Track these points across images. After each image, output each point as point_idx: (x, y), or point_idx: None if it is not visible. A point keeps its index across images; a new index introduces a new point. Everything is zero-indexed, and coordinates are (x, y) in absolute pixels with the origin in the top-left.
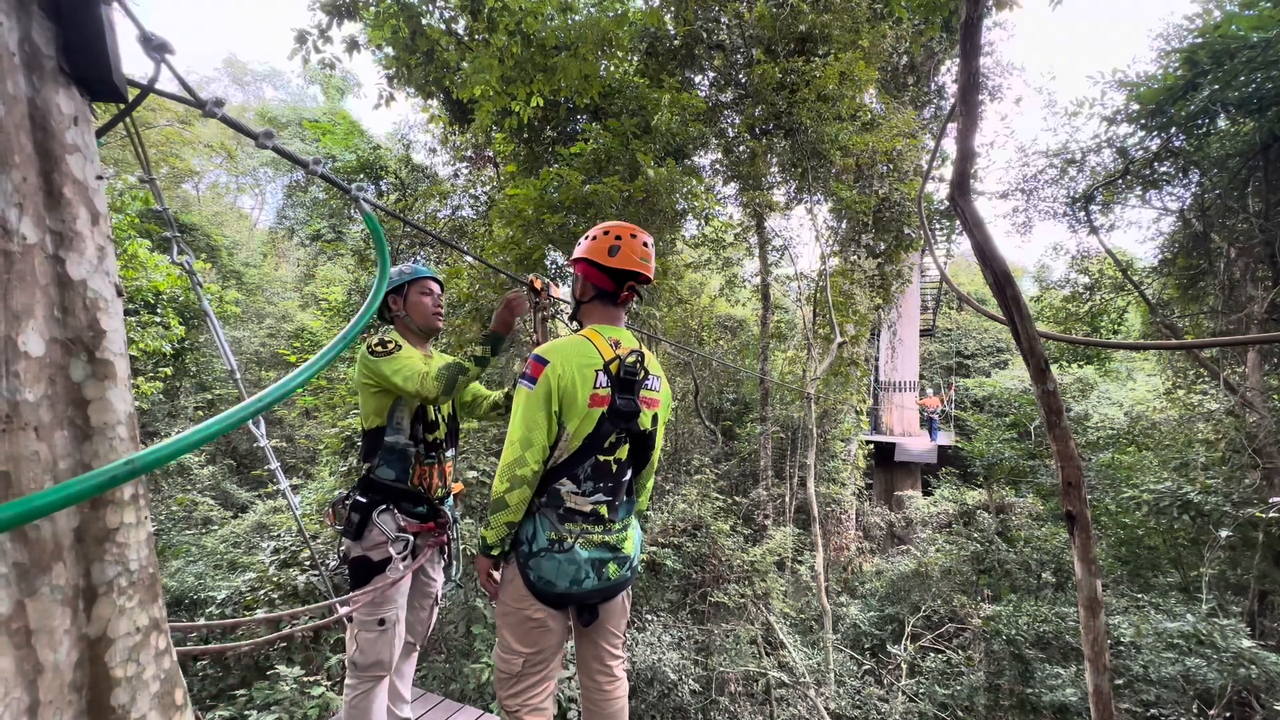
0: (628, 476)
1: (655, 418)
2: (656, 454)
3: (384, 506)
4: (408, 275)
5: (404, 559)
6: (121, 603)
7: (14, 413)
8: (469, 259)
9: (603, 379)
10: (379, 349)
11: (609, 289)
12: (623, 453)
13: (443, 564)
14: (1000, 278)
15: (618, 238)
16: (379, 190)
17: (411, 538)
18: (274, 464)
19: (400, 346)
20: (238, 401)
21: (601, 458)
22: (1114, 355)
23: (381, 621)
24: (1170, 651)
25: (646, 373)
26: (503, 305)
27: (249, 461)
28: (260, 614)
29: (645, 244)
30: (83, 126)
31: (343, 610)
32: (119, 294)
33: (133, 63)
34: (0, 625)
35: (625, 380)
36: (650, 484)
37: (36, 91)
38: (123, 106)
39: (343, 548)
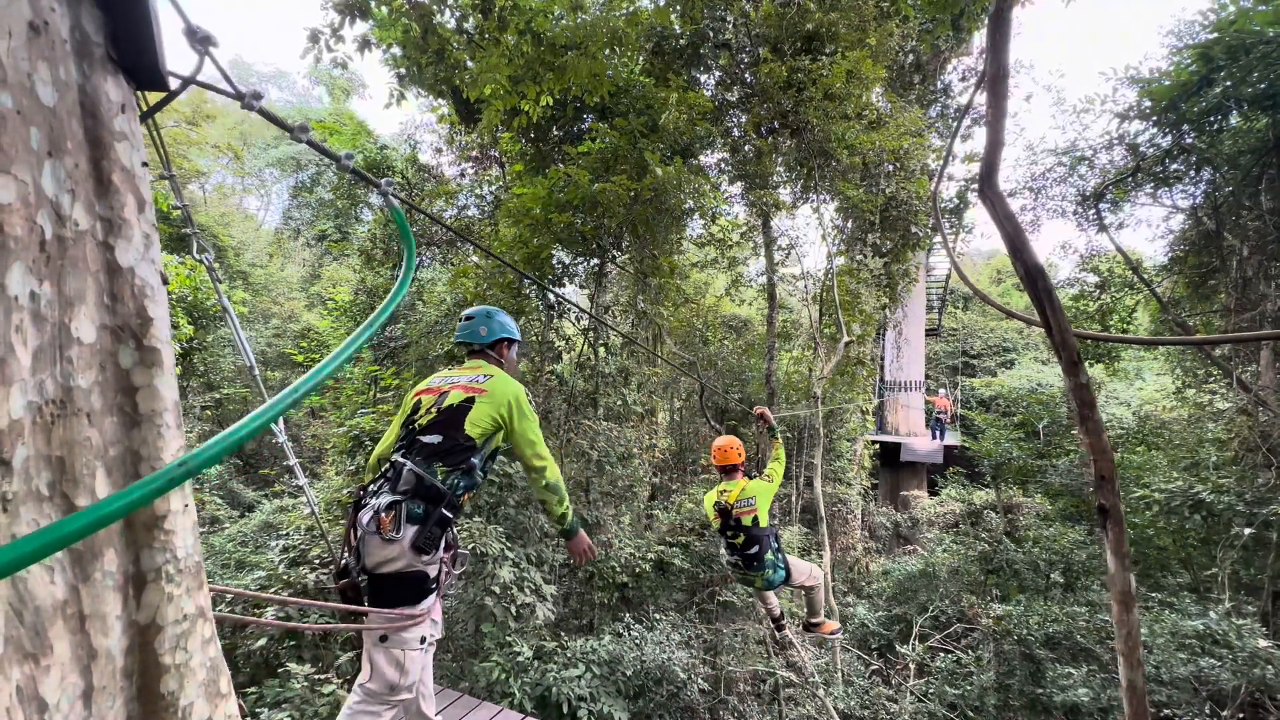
0: (425, 437)
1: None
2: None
3: (451, 523)
4: (515, 332)
5: (456, 573)
6: (170, 590)
7: (67, 398)
8: (477, 258)
9: None
10: (526, 405)
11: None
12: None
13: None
14: (1032, 270)
15: None
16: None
17: (467, 555)
18: (293, 460)
19: None
20: (245, 401)
21: None
22: (1123, 355)
23: (424, 638)
24: (1182, 652)
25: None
26: (580, 552)
27: (255, 461)
28: (314, 609)
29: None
30: (130, 114)
31: (378, 626)
32: (164, 282)
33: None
34: (56, 610)
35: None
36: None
37: (86, 78)
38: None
39: (394, 561)
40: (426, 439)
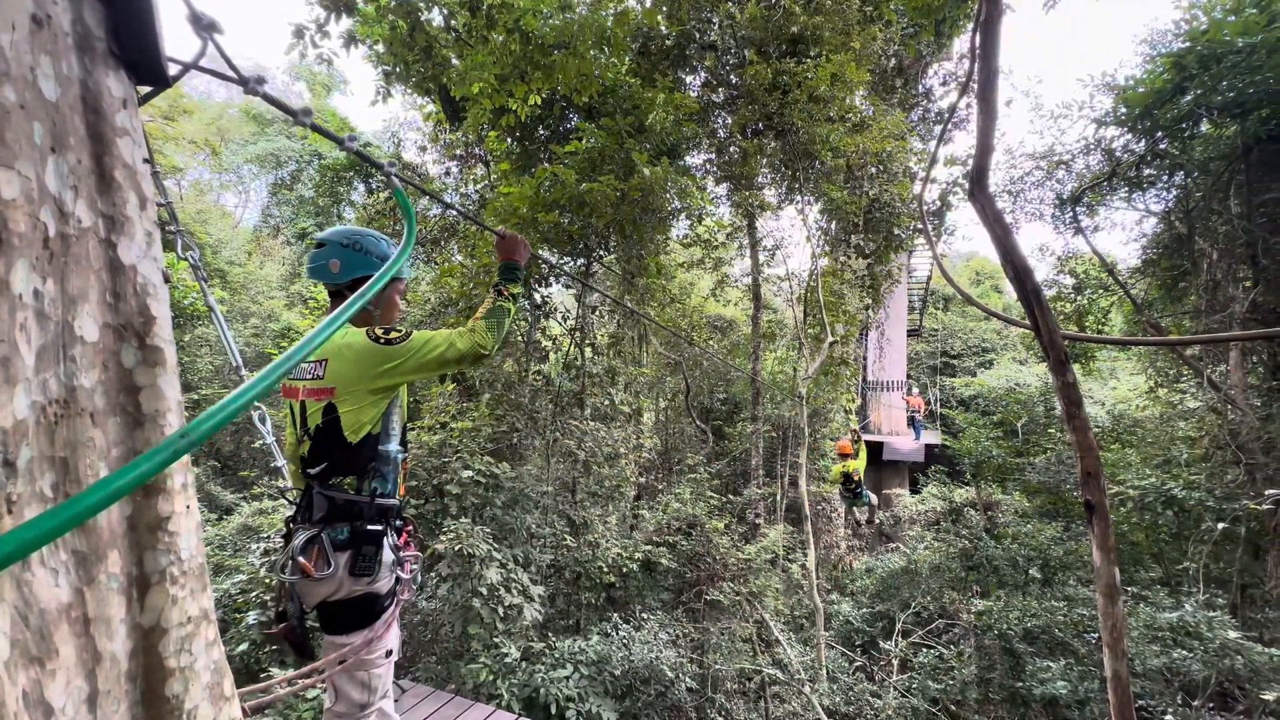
0: (312, 469)
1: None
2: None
3: (386, 531)
4: (403, 272)
5: (410, 582)
6: (174, 592)
7: (71, 398)
8: (461, 257)
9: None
10: (393, 335)
11: None
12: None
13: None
14: (1021, 271)
15: None
16: (369, 188)
17: (419, 556)
18: (280, 461)
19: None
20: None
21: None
22: (1098, 355)
23: (389, 652)
24: (1155, 644)
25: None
26: (510, 237)
27: (233, 463)
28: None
29: None
30: (131, 110)
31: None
32: (166, 280)
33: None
34: (61, 613)
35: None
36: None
37: (88, 73)
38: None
39: (336, 593)
40: (316, 469)
